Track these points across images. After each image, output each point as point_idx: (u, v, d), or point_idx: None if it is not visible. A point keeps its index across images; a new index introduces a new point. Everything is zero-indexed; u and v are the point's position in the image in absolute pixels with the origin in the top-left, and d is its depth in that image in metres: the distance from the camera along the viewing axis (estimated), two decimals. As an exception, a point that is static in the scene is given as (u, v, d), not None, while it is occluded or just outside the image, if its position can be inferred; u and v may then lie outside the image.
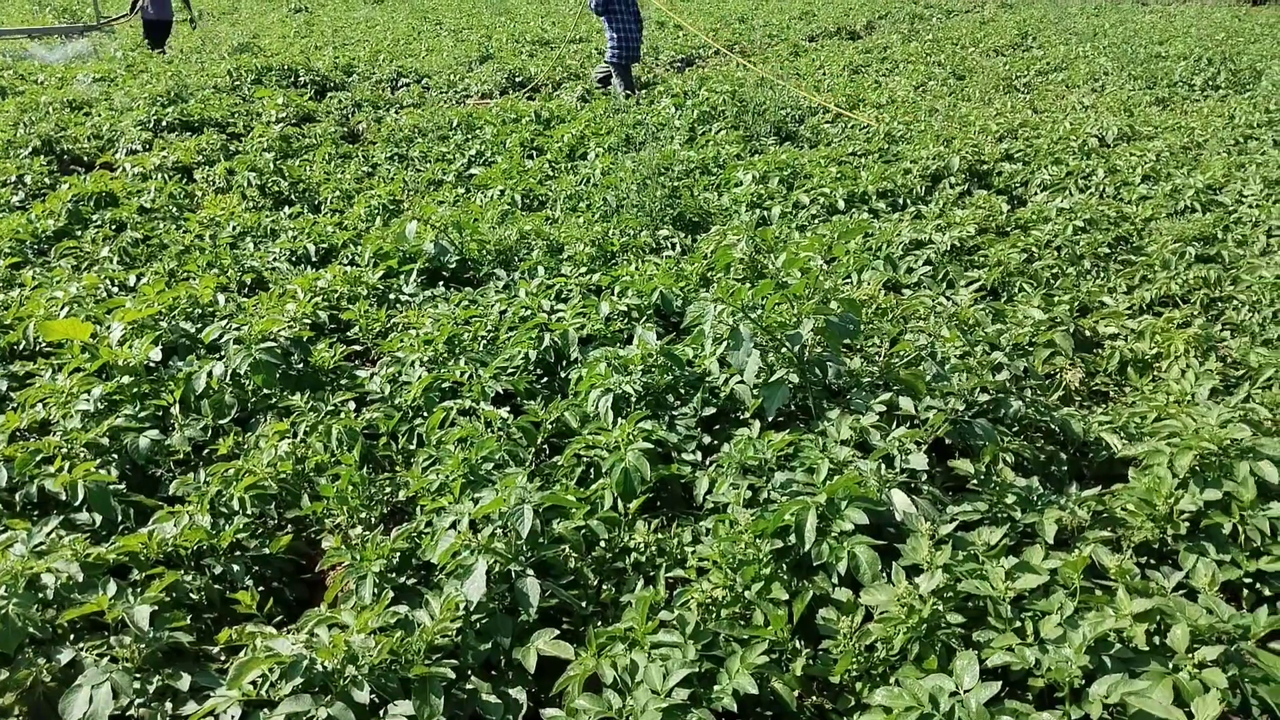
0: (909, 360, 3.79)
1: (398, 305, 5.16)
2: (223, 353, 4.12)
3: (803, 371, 3.61)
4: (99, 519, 3.29)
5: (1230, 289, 4.86)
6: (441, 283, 5.47)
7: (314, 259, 5.91)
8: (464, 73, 12.46)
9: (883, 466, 3.08)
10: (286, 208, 7.09)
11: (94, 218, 6.38)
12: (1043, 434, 3.69)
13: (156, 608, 2.70)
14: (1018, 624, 2.47)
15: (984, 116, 8.86)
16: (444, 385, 4.01)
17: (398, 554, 3.01)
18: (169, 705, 2.54)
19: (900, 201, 6.70)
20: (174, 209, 6.73)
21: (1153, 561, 2.94)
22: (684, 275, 4.99)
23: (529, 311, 4.58)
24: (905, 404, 3.50)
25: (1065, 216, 5.76)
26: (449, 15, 19.40)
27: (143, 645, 2.58)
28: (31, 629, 2.58)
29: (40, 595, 2.68)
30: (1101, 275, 5.24)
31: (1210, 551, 2.83)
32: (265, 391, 4.05)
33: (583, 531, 3.06)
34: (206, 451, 3.84)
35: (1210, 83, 10.95)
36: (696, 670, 2.46)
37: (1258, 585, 2.81)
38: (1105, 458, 3.53)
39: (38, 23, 17.50)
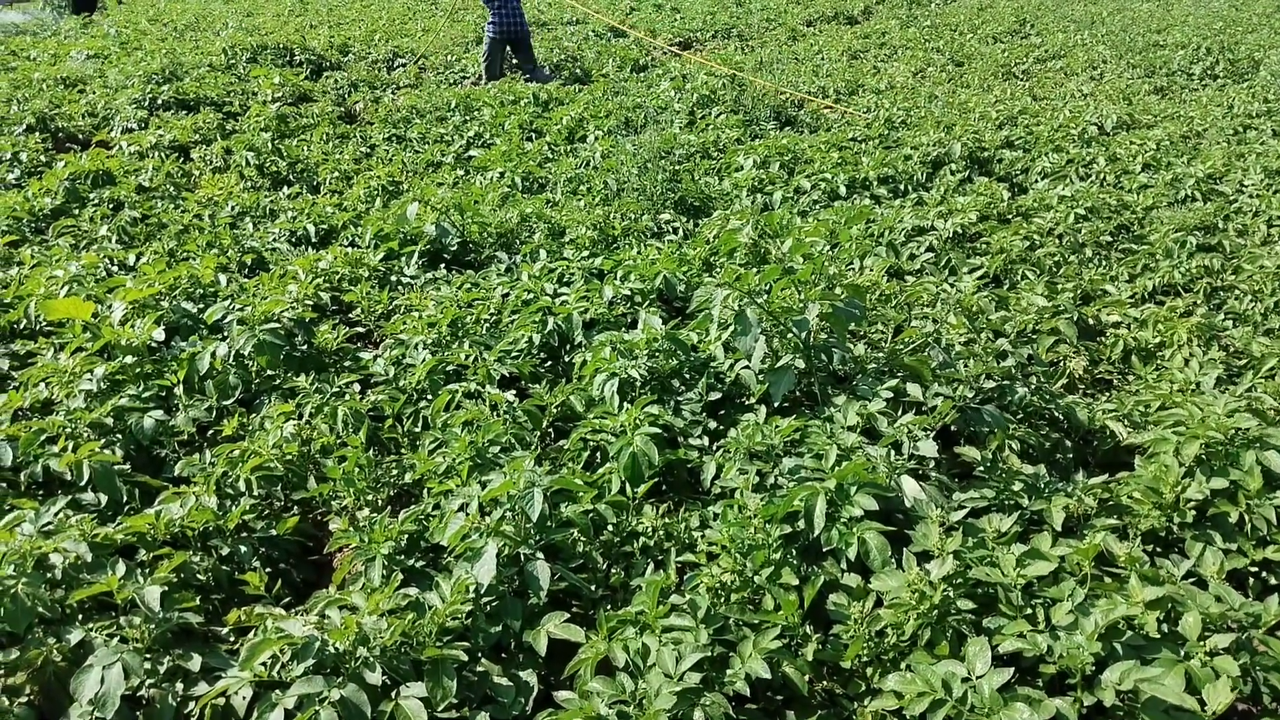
0: (915, 346, 3.80)
1: (399, 287, 5.14)
2: (226, 333, 4.10)
3: (808, 357, 3.61)
4: (104, 499, 3.28)
5: (1232, 278, 4.87)
6: (443, 265, 5.45)
7: (314, 240, 5.88)
8: (460, 53, 12.37)
9: (891, 453, 3.08)
10: (285, 188, 7.05)
11: (91, 196, 6.33)
12: (1047, 421, 3.70)
13: (166, 588, 2.70)
14: (1029, 611, 2.48)
15: (984, 103, 8.84)
16: (448, 368, 4.00)
17: (406, 536, 3.00)
18: (180, 686, 2.54)
19: (901, 188, 6.69)
20: (172, 188, 6.68)
21: (1159, 550, 2.95)
22: (687, 260, 4.98)
23: (532, 295, 4.57)
24: (912, 390, 3.49)
25: (1067, 204, 5.75)
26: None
27: (152, 626, 2.57)
28: (41, 609, 2.58)
29: (49, 575, 2.68)
30: (1104, 263, 5.25)
31: (1217, 540, 2.84)
32: (269, 372, 4.03)
33: (590, 515, 3.06)
34: (211, 432, 3.82)
35: (1209, 72, 10.93)
36: (709, 654, 2.47)
37: (1263, 574, 2.83)
38: (1110, 446, 3.54)
39: None
